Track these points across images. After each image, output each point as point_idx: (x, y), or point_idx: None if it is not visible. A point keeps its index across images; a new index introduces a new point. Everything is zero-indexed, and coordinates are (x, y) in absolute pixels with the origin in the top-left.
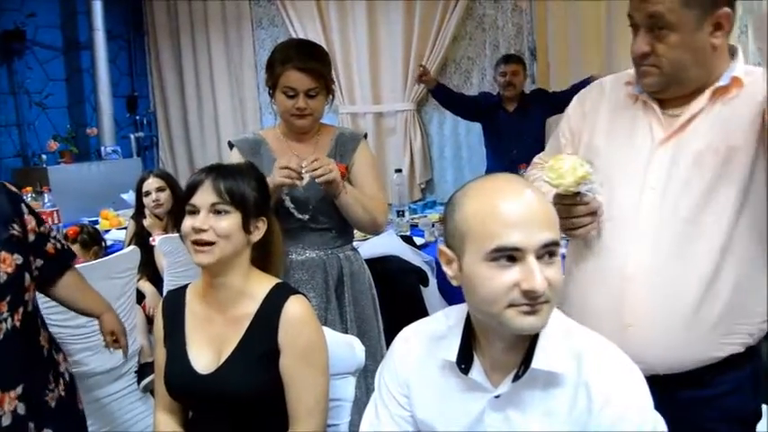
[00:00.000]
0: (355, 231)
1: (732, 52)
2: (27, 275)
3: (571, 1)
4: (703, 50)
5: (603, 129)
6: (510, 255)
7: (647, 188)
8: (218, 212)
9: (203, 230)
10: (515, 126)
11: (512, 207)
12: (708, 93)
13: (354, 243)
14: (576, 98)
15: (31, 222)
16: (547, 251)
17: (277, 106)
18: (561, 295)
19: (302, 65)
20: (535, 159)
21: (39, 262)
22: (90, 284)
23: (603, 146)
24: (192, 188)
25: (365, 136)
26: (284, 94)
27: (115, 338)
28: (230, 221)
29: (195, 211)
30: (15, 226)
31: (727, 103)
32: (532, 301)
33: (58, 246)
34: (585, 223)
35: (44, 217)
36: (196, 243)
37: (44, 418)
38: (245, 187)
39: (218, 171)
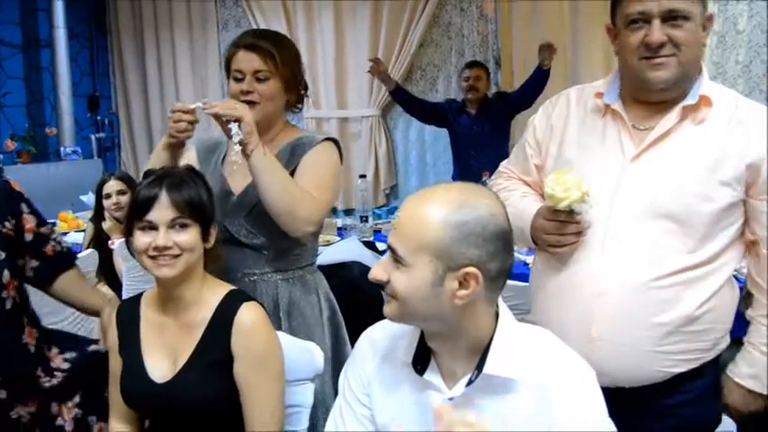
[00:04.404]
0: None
1: (698, 69)
2: (7, 272)
3: (535, 10)
4: (701, 46)
5: (574, 141)
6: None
7: (618, 205)
8: (178, 226)
9: (167, 247)
10: (478, 129)
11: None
12: (677, 110)
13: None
14: (541, 109)
15: (29, 222)
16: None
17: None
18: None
19: (252, 42)
20: (501, 168)
21: (34, 263)
22: (88, 283)
23: (576, 158)
24: (147, 203)
25: (333, 140)
26: (234, 79)
27: None
28: (191, 234)
29: (153, 228)
30: (7, 224)
31: (699, 124)
32: None
33: (58, 248)
34: (571, 242)
35: None
36: (156, 258)
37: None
38: (202, 195)
39: (171, 182)
